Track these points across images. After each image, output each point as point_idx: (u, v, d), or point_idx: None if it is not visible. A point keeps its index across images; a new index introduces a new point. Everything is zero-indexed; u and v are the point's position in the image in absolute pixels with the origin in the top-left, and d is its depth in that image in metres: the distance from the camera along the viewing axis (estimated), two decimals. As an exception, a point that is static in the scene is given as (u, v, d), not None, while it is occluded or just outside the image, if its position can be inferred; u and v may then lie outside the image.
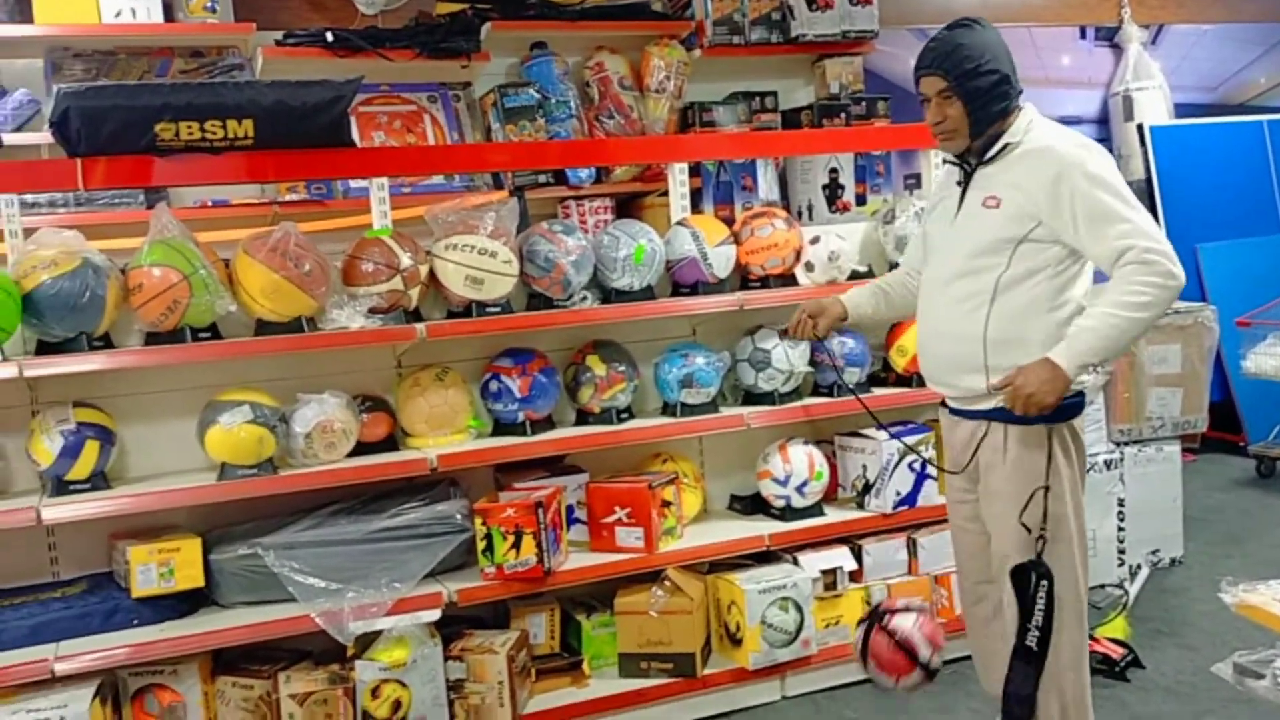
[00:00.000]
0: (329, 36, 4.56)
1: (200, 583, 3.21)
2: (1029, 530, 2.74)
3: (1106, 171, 2.68)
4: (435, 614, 3.30)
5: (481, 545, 3.40)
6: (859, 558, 3.91)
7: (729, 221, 4.07)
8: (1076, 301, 2.75)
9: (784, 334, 3.29)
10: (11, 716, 2.93)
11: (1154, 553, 4.86)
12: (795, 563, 3.81)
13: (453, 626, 3.48)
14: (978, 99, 2.72)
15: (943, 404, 3.02)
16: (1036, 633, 2.69)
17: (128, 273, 3.19)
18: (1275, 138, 7.22)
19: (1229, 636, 4.00)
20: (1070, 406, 2.74)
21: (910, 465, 3.93)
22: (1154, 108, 7.03)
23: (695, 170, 4.93)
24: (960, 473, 2.93)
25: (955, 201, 2.87)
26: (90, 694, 3.02)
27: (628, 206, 5.19)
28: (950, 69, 2.72)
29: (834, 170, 5.20)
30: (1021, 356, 2.70)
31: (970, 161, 2.84)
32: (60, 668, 3.00)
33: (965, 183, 2.85)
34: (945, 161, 3.00)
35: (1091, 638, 2.99)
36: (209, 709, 3.30)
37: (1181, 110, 7.18)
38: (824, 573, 3.81)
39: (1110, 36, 7.16)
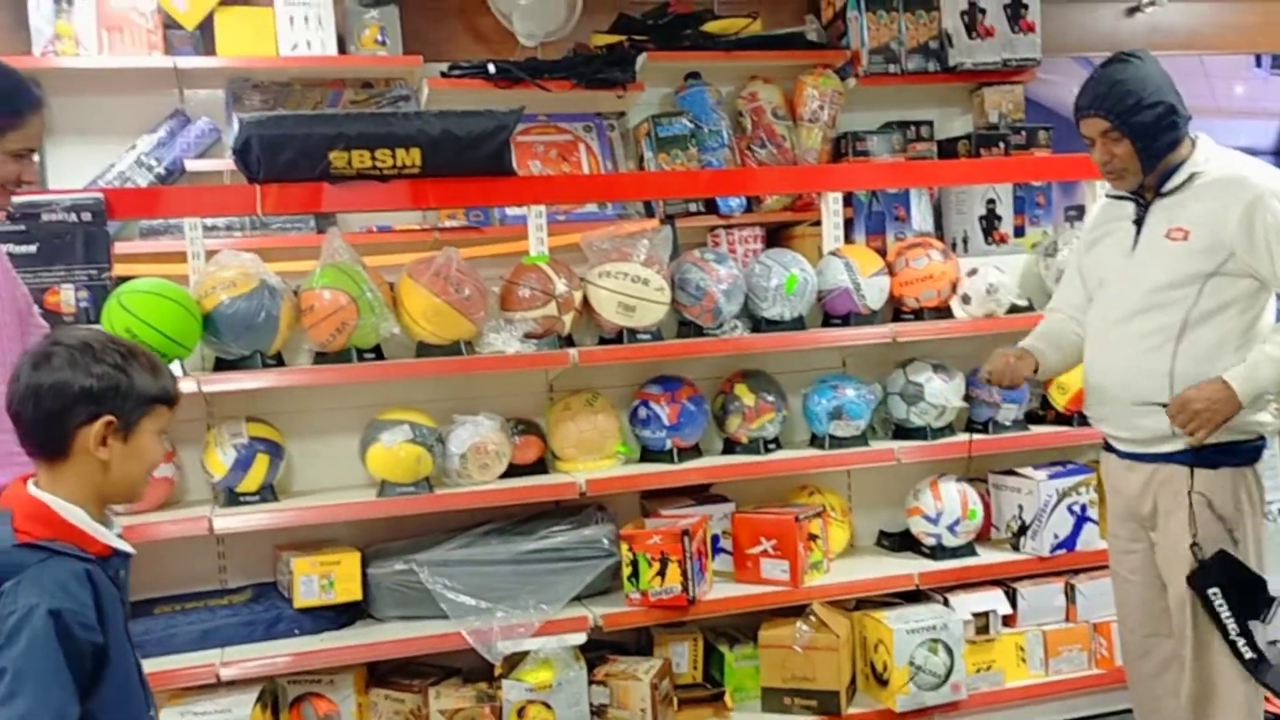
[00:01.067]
0: (491, 68, 4.68)
1: (358, 596, 3.31)
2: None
3: None
4: (581, 637, 3.33)
5: (627, 571, 3.42)
6: (1013, 601, 3.79)
7: (881, 252, 4.02)
8: (1265, 336, 2.64)
9: (987, 381, 3.09)
10: (180, 718, 3.06)
11: (1332, 609, 4.58)
12: (946, 603, 3.72)
13: (597, 651, 3.50)
14: (1144, 134, 2.64)
15: (1107, 448, 2.90)
16: (1244, 640, 2.59)
17: (300, 294, 3.32)
18: None
19: None
20: (1255, 449, 2.65)
21: (1070, 508, 3.79)
22: (1335, 138, 6.68)
23: (848, 200, 4.89)
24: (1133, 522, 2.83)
25: (1129, 235, 2.77)
26: (252, 699, 3.14)
27: (777, 236, 5.18)
28: (1111, 107, 2.64)
29: (991, 201, 5.09)
30: None
31: (1144, 195, 2.74)
32: (225, 673, 3.12)
33: (1141, 215, 2.75)
34: (1109, 196, 2.90)
35: (1266, 698, 2.85)
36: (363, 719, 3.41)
37: (1365, 141, 6.80)
38: (976, 615, 3.71)
39: (1287, 64, 6.85)
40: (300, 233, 4.55)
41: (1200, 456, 2.63)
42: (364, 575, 3.32)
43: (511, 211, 4.72)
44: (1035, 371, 3.01)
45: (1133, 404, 2.71)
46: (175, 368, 3.14)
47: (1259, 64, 6.77)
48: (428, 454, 3.31)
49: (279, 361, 3.35)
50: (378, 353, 3.40)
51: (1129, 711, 3.83)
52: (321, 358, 3.34)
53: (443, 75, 4.72)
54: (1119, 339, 2.75)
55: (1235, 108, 6.63)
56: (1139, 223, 2.76)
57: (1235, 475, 2.65)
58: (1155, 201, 2.73)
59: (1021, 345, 3.07)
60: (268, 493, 3.32)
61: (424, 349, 3.43)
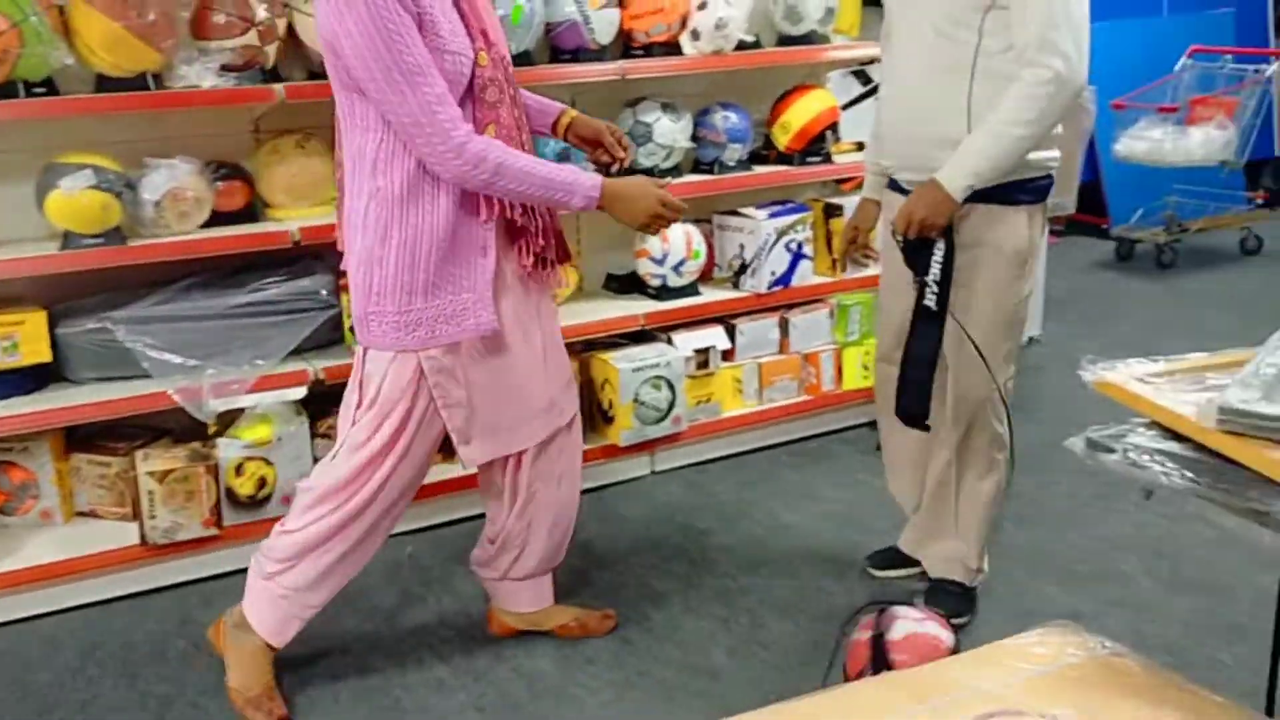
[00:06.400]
0: None
1: (47, 358, 3.06)
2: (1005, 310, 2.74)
3: None
4: (300, 392, 3.22)
5: (349, 322, 3.30)
6: (732, 337, 3.93)
7: (613, -18, 3.84)
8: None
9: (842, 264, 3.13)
10: None
11: (1014, 332, 5.01)
12: (670, 342, 3.82)
13: (322, 404, 3.41)
14: None
15: (895, 188, 2.87)
16: (934, 291, 2.66)
17: (-56, 18, 2.87)
18: (1163, -85, 7.13)
19: (1077, 414, 4.18)
20: (1046, 187, 2.71)
21: (787, 245, 3.91)
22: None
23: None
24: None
25: None
26: (-67, 472, 2.91)
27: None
28: None
29: (724, -70, 4.92)
30: None
31: None
32: (-102, 444, 2.86)
33: None
34: None
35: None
36: (63, 486, 3.22)
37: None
38: (697, 351, 3.83)
39: None
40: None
41: (999, 192, 2.62)
42: (53, 336, 3.07)
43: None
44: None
45: (930, 140, 2.65)
46: None
47: None
48: (116, 201, 3.01)
49: (-73, 98, 2.92)
50: (50, 87, 3.00)
51: (835, 432, 4.15)
52: (-20, 93, 2.92)
53: None
54: (914, 78, 2.69)
55: None
56: None
57: (1030, 211, 2.70)
58: None
59: (866, 194, 3.01)
60: (-72, 248, 2.97)
61: (104, 83, 3.06)
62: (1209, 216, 6.63)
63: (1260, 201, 6.86)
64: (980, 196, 2.62)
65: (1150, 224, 6.56)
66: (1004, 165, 2.56)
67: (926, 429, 2.81)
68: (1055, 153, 2.69)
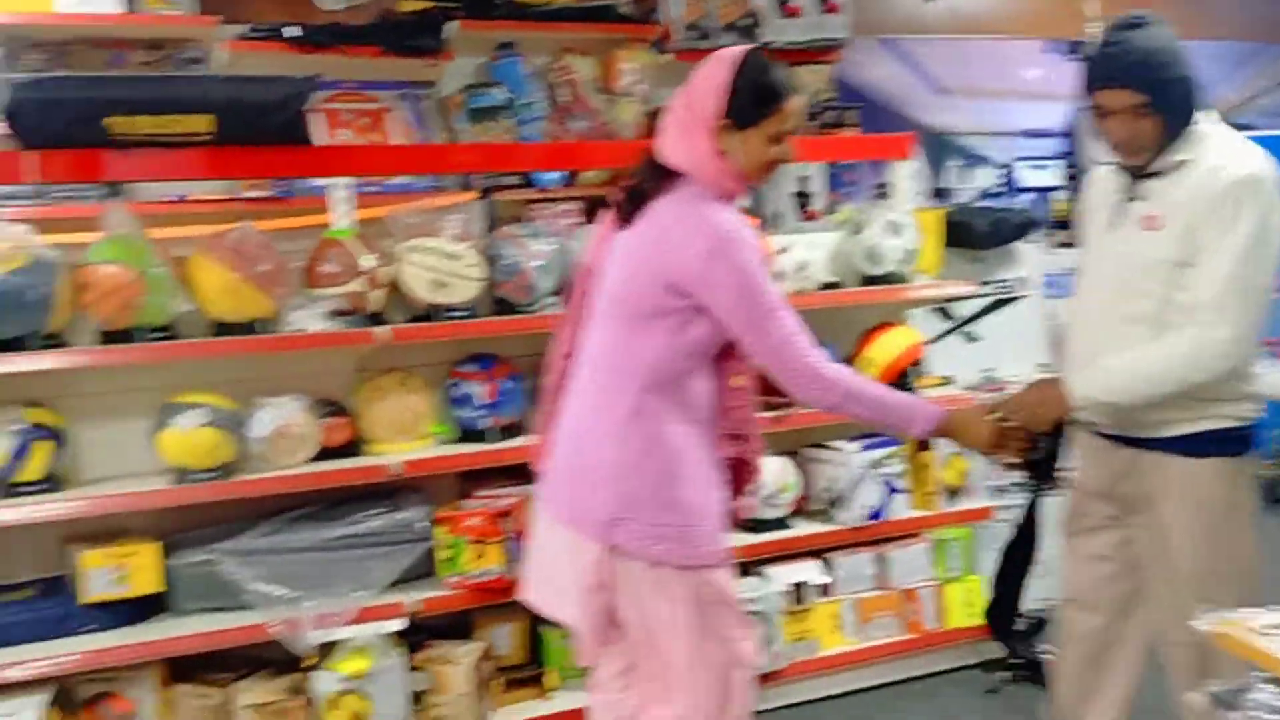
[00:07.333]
0: (294, 31, 4.45)
1: (155, 588, 3.12)
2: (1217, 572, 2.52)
3: (1273, 209, 2.39)
4: (397, 624, 3.22)
5: (446, 554, 3.33)
6: (827, 571, 3.86)
7: (699, 228, 4.01)
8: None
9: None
10: (-42, 725, 2.82)
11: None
12: (762, 576, 3.76)
13: (416, 636, 3.39)
14: (1176, 112, 2.39)
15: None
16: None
17: (79, 270, 3.08)
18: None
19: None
20: (1243, 438, 2.53)
21: (879, 478, 3.89)
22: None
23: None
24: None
25: (1112, 212, 2.57)
26: (40, 702, 2.92)
27: (598, 209, 5.12)
28: (1148, 80, 2.34)
29: (804, 178, 5.16)
30: (1201, 389, 2.44)
31: (1131, 169, 2.52)
32: (9, 674, 2.90)
33: (1128, 193, 2.54)
34: (1112, 165, 2.63)
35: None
36: (164, 718, 3.21)
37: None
38: (792, 586, 3.76)
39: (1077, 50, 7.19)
40: (88, 202, 4.22)
41: (1190, 444, 2.49)
42: (162, 566, 3.13)
43: (320, 181, 4.51)
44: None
45: None
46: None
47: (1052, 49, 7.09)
48: (227, 438, 3.14)
49: (59, 342, 3.09)
50: (169, 332, 3.19)
51: (942, 673, 3.97)
52: (108, 337, 3.10)
53: (240, 38, 4.47)
54: (1104, 321, 2.57)
55: (1027, 90, 6.94)
56: (1124, 200, 2.54)
57: (1218, 464, 2.49)
58: (1139, 182, 2.50)
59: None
60: (51, 482, 3.08)
61: (220, 327, 3.24)
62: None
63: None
64: (1161, 446, 2.52)
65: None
66: (1133, 400, 2.46)
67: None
68: (1251, 406, 2.51)
